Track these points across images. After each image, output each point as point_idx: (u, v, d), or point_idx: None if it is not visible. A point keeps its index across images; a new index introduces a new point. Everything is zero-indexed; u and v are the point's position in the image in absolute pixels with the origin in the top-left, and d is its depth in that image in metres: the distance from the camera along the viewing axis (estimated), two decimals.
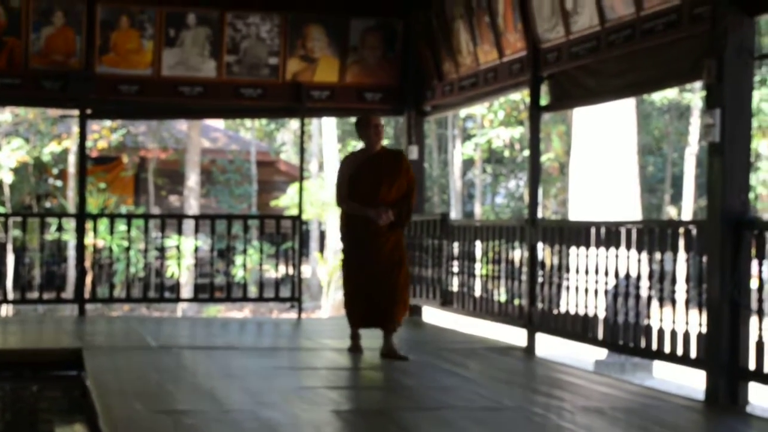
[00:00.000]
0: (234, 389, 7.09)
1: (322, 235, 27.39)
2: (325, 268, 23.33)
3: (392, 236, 8.77)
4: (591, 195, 18.64)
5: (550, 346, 10.44)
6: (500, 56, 10.54)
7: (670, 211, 34.09)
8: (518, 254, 10.23)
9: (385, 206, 8.67)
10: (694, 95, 27.21)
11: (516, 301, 10.12)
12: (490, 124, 28.50)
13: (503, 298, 10.41)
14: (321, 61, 12.36)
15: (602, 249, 8.58)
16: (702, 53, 7.11)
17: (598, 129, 18.65)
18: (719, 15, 6.88)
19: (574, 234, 9.06)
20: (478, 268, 10.97)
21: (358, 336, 9.07)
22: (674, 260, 7.56)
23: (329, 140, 26.14)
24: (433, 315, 12.70)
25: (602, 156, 18.69)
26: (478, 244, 11.01)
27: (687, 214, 28.56)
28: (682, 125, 31.32)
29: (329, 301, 22.80)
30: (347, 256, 8.91)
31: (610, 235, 8.48)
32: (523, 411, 6.57)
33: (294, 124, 34.84)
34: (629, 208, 18.62)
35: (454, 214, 29.70)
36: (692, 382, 9.14)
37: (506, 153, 30.41)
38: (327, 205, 23.05)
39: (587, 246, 8.80)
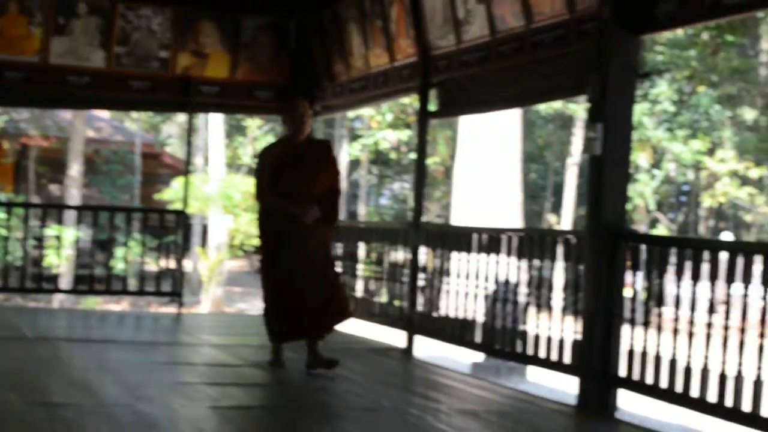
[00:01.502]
0: (111, 383, 7.05)
1: (204, 230, 27.22)
2: (206, 263, 23.21)
3: (319, 235, 7.81)
4: (474, 200, 18.89)
5: (428, 348, 10.57)
6: (391, 61, 10.65)
7: (551, 219, 34.70)
8: (401, 256, 10.35)
9: (312, 202, 7.71)
10: (578, 106, 27.73)
11: (397, 303, 10.24)
12: (378, 125, 28.68)
13: (385, 299, 10.52)
14: (212, 56, 12.31)
15: (483, 255, 8.75)
16: (587, 68, 7.30)
17: (484, 135, 18.91)
18: (605, 32, 7.08)
19: (457, 239, 9.21)
20: (361, 269, 11.07)
21: (282, 349, 8.09)
22: (552, 268, 7.76)
23: (215, 135, 26.00)
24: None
25: (487, 162, 18.96)
26: (362, 245, 11.11)
27: (567, 223, 29.11)
28: (566, 135, 31.91)
29: (209, 296, 22.70)
30: (269, 258, 7.88)
31: (492, 241, 8.65)
32: (400, 412, 6.68)
33: (180, 117, 34.55)
34: (511, 215, 18.92)
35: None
36: (564, 387, 9.35)
37: (393, 155, 30.63)
38: (211, 200, 22.93)
39: (469, 251, 8.96)
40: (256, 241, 8.19)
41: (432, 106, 10.08)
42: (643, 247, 6.93)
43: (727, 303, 6.26)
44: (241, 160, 29.77)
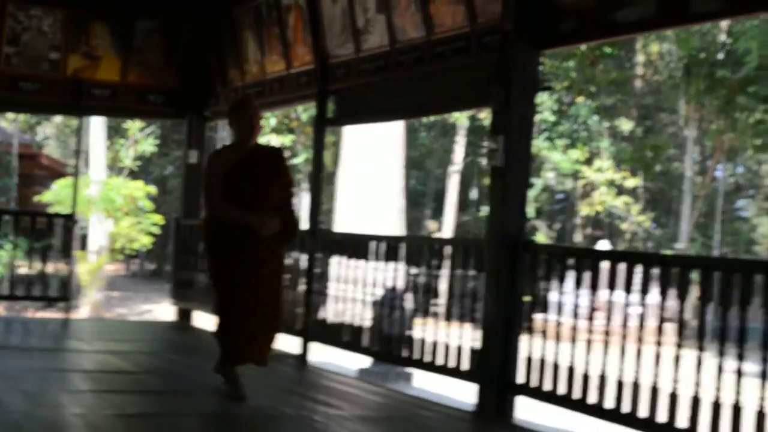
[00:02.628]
0: (9, 390, 6.93)
1: (83, 234, 26.80)
2: (86, 267, 22.88)
3: (276, 250, 7.11)
4: (357, 206, 19.02)
5: (317, 354, 10.62)
6: (288, 68, 10.68)
7: (431, 226, 35.03)
8: (297, 264, 10.38)
9: (270, 213, 6.96)
10: (460, 114, 28.06)
11: (292, 310, 10.27)
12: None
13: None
14: (104, 59, 12.16)
15: (381, 262, 8.85)
16: (489, 81, 7.44)
17: (368, 142, 19.05)
18: (507, 46, 7.24)
19: (353, 246, 9.29)
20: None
21: (239, 376, 7.17)
22: (451, 276, 7.91)
23: (96, 137, 25.61)
24: (205, 320, 12.65)
25: (370, 168, 19.10)
26: None
27: (448, 230, 29.41)
28: (447, 142, 32.25)
29: (89, 300, 22.38)
30: (222, 275, 7.00)
31: (390, 249, 8.75)
32: (305, 419, 6.72)
33: (58, 118, 33.95)
34: (394, 221, 19.09)
35: None
36: (455, 393, 9.49)
37: None
38: (92, 203, 22.61)
39: (366, 258, 9.05)
40: (207, 255, 7.23)
41: (329, 114, 10.14)
42: (543, 257, 7.11)
43: (625, 311, 6.46)
44: (123, 162, 29.38)
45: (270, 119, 27.68)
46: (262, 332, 7.04)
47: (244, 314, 6.92)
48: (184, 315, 12.56)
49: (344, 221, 19.16)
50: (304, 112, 26.98)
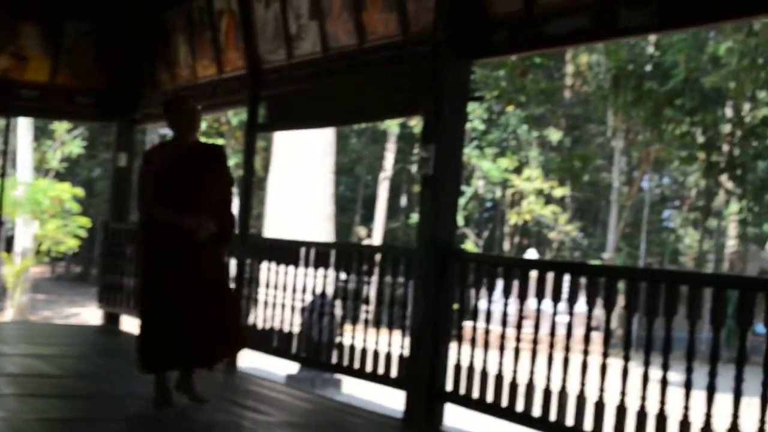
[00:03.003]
0: None
1: (9, 236, 26.45)
2: (11, 269, 22.60)
3: (213, 253, 6.73)
4: (287, 211, 19.01)
5: (245, 360, 10.60)
6: (219, 72, 10.64)
7: (360, 232, 35.07)
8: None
9: (206, 215, 6.65)
10: (391, 122, 28.18)
11: None
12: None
13: None
14: (32, 60, 12.01)
15: (311, 269, 8.85)
16: (421, 90, 7.48)
17: (298, 147, 19.05)
18: (439, 56, 7.28)
19: (283, 252, 9.28)
20: None
21: (167, 382, 6.85)
22: (380, 283, 7.93)
23: (23, 138, 25.29)
24: (132, 324, 12.55)
25: (300, 174, 19.10)
26: None
27: (377, 236, 29.48)
28: (378, 149, 32.34)
29: (14, 303, 22.10)
30: (151, 279, 6.72)
31: (319, 255, 8.76)
32: (235, 426, 6.70)
33: None
34: (323, 227, 19.10)
35: None
36: (383, 399, 9.53)
37: None
38: (18, 205, 22.31)
39: (296, 265, 9.04)
40: (139, 258, 7.06)
41: (260, 119, 10.13)
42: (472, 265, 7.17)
43: (553, 320, 6.53)
44: (50, 164, 29.04)
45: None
46: (200, 338, 6.58)
47: (170, 320, 6.55)
48: (111, 319, 12.46)
49: (274, 226, 19.13)
50: (234, 116, 26.90)
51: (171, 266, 6.60)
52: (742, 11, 5.66)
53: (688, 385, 5.45)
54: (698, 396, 5.37)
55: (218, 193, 6.79)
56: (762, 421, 5.04)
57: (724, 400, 5.28)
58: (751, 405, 5.15)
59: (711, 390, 5.32)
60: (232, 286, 9.93)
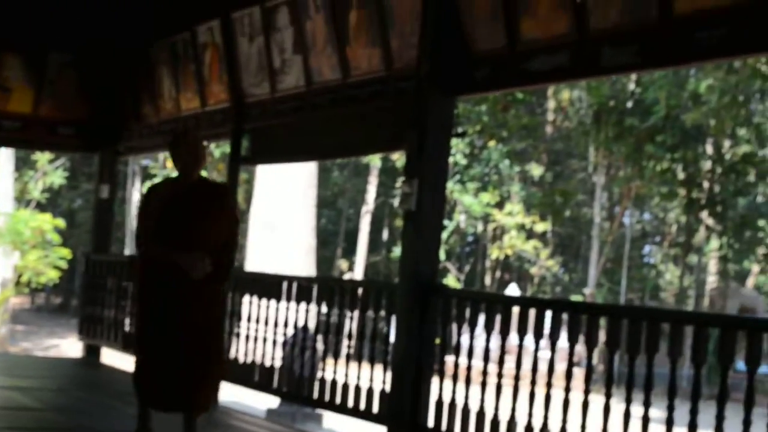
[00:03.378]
0: None
1: None
2: None
3: (207, 293, 6.45)
4: (269, 244, 18.99)
5: (229, 394, 10.57)
6: (203, 105, 10.66)
7: (342, 265, 35.04)
8: None
9: (202, 253, 6.36)
10: (374, 156, 28.24)
11: None
12: (172, 165, 28.44)
13: None
14: (16, 91, 11.99)
15: (293, 303, 8.84)
16: (404, 125, 7.51)
17: (280, 180, 19.06)
18: (422, 91, 7.31)
19: (266, 286, 9.27)
20: None
21: (150, 416, 6.71)
22: (362, 318, 7.93)
23: (3, 168, 25.17)
24: (113, 357, 12.50)
25: (282, 207, 19.11)
26: None
27: (359, 269, 29.46)
28: (361, 182, 32.39)
29: None
30: (144, 315, 6.60)
31: (301, 289, 8.75)
32: None
33: None
34: (305, 260, 19.09)
35: (128, 252, 29.33)
36: None
37: None
38: None
39: (278, 299, 9.02)
40: (136, 297, 6.91)
41: (243, 152, 10.14)
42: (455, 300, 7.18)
43: (535, 356, 6.53)
44: (31, 194, 28.96)
45: None
46: (187, 380, 6.35)
47: (159, 359, 6.37)
48: (92, 351, 12.40)
49: (256, 259, 19.11)
50: (217, 148, 26.92)
51: (162, 305, 6.38)
52: (723, 51, 5.71)
53: (669, 423, 5.46)
54: None
55: (220, 232, 6.49)
56: None
57: None
58: None
59: (692, 427, 5.33)
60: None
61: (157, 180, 29.17)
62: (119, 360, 12.44)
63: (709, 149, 27.87)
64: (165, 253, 6.36)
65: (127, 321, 11.59)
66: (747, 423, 5.06)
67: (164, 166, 29.06)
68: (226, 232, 6.54)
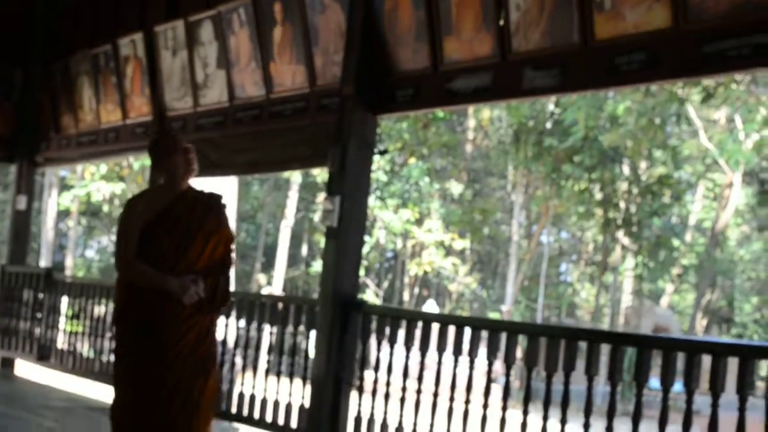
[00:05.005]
0: None
1: None
2: None
3: (200, 321, 5.46)
4: None
5: None
6: (124, 118, 10.59)
7: (260, 279, 34.93)
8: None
9: (195, 276, 5.41)
10: (294, 171, 28.21)
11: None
12: (90, 176, 28.17)
13: (108, 357, 10.36)
14: None
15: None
16: (326, 141, 7.56)
17: None
18: (345, 109, 7.37)
19: None
20: (87, 326, 10.86)
21: None
22: (282, 333, 7.94)
23: None
24: (28, 369, 12.33)
25: None
26: (84, 301, 10.93)
27: (278, 284, 29.39)
28: (280, 197, 32.35)
29: None
30: (126, 349, 5.49)
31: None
32: None
33: None
34: None
35: (44, 263, 28.95)
36: None
37: (105, 207, 30.11)
38: None
39: None
40: (115, 324, 5.61)
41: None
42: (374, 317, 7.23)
43: (454, 373, 6.60)
44: None
45: (99, 166, 27.32)
46: (175, 422, 5.38)
47: (143, 399, 5.35)
48: (6, 363, 12.22)
49: None
50: (136, 160, 26.70)
51: (149, 336, 5.38)
52: (641, 76, 5.85)
53: None
54: None
55: (215, 251, 5.54)
56: None
57: None
58: None
59: None
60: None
61: (87, 190, 28.92)
62: (34, 372, 12.28)
63: (626, 170, 28.30)
64: (151, 277, 5.37)
65: (39, 332, 11.47)
66: None
67: (82, 177, 28.72)
68: (221, 250, 5.58)
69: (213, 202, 5.63)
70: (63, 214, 33.87)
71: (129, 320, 5.48)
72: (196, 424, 5.43)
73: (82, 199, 29.29)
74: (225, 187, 19.21)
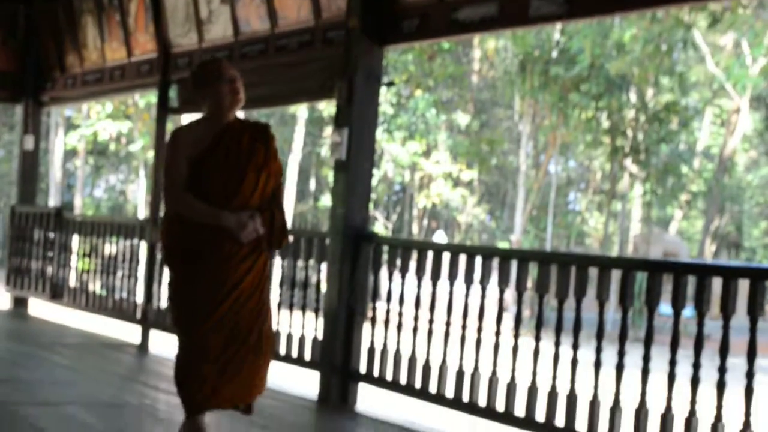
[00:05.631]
0: None
1: None
2: None
3: (258, 262, 5.05)
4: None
5: (162, 343, 10.59)
6: (129, 55, 10.57)
7: None
8: (137, 251, 10.32)
9: (252, 211, 4.99)
10: (299, 105, 28.15)
11: (131, 298, 10.20)
12: (96, 115, 28.15)
13: (121, 294, 10.44)
14: None
15: None
16: (333, 74, 7.55)
17: None
18: (351, 41, 7.34)
19: None
20: (98, 264, 10.93)
21: (205, 428, 5.13)
22: (294, 267, 7.98)
23: None
24: (41, 308, 12.43)
25: None
26: (95, 239, 10.99)
27: (287, 218, 29.43)
28: (287, 132, 32.29)
29: None
30: (181, 295, 5.08)
31: None
32: (147, 408, 6.70)
33: None
34: None
35: (53, 203, 29.04)
36: (296, 381, 9.58)
37: (112, 146, 30.11)
38: None
39: None
40: (167, 266, 5.18)
41: (171, 103, 10.10)
42: (386, 248, 7.27)
43: (465, 302, 6.64)
44: None
45: (105, 105, 27.29)
46: (246, 366, 5.03)
47: (214, 348, 4.95)
48: (20, 302, 12.33)
49: None
50: (142, 98, 26.65)
51: (208, 277, 4.96)
52: (647, 2, 5.82)
53: (597, 364, 5.60)
54: (608, 373, 5.52)
55: (266, 184, 5.08)
56: (669, 398, 5.21)
57: (631, 377, 5.45)
58: (657, 382, 5.32)
59: (620, 368, 5.48)
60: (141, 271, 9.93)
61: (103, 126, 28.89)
62: (47, 310, 12.38)
63: (633, 98, 28.19)
64: (205, 212, 4.95)
65: (51, 271, 11.54)
66: (672, 363, 5.21)
67: (88, 116, 28.68)
68: (272, 183, 5.13)
69: (261, 132, 5.17)
70: (70, 154, 33.88)
71: (181, 262, 5.04)
72: (261, 373, 5.10)
73: (89, 139, 29.30)
74: None
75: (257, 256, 5.04)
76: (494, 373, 6.21)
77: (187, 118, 19.29)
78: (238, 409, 5.22)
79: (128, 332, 10.37)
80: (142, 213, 26.99)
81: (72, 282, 11.44)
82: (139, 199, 29.88)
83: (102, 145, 31.78)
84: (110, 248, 10.85)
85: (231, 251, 4.94)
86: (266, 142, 5.11)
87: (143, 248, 10.06)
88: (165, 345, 10.77)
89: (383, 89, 24.99)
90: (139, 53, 10.43)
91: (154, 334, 9.78)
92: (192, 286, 4.98)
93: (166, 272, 5.27)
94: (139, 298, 10.00)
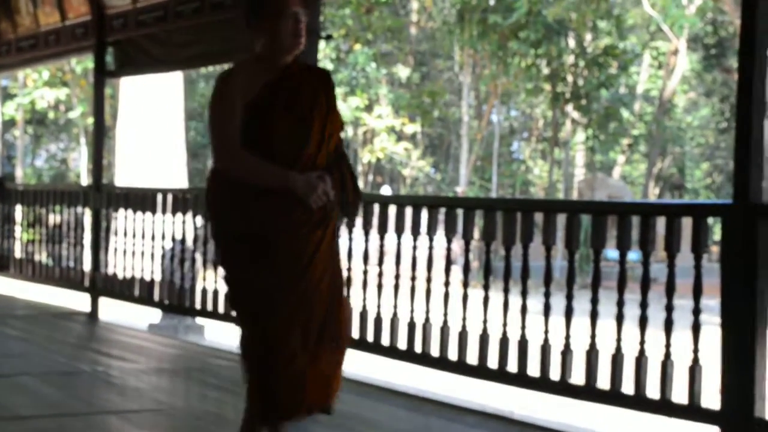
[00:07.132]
0: None
1: None
2: None
3: (327, 230, 4.19)
4: (138, 159, 18.78)
5: (111, 310, 10.54)
6: (63, 19, 10.40)
7: None
8: (82, 219, 10.23)
9: (320, 171, 4.15)
10: None
11: (78, 266, 10.13)
12: (33, 83, 27.77)
13: (68, 263, 10.36)
14: None
15: (168, 215, 8.81)
16: None
17: (145, 94, 18.78)
18: None
19: (140, 200, 9.21)
20: (43, 234, 10.83)
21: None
22: None
23: None
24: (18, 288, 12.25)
25: (149, 120, 18.86)
26: (39, 209, 10.88)
27: None
28: None
29: None
30: (239, 275, 4.19)
31: (177, 201, 8.73)
32: (101, 374, 6.67)
33: None
34: (176, 173, 18.93)
35: None
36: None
37: (50, 114, 29.76)
38: None
39: (153, 211, 8.98)
40: (214, 238, 4.27)
41: (108, 66, 9.98)
42: None
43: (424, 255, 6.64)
44: None
45: (42, 72, 26.92)
46: (321, 359, 4.17)
47: (292, 341, 4.07)
48: None
49: (125, 176, 18.87)
50: (78, 63, 26.31)
51: (274, 251, 4.07)
52: None
53: (546, 311, 5.63)
54: (558, 321, 5.56)
55: (332, 138, 4.25)
56: (618, 339, 5.26)
57: (581, 322, 5.50)
58: (606, 325, 5.37)
59: (569, 313, 5.52)
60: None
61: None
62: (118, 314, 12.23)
63: (572, 43, 28.29)
64: (268, 172, 4.09)
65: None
66: (620, 304, 5.25)
67: (24, 85, 28.27)
68: (336, 138, 4.30)
69: (325, 79, 4.34)
70: (8, 125, 33.40)
71: (237, 234, 4.14)
72: (340, 369, 4.29)
73: (27, 108, 28.91)
74: (170, 84, 19.04)
75: (326, 226, 4.18)
76: (445, 323, 6.23)
77: (123, 83, 19.16)
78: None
79: (77, 301, 10.29)
80: (85, 181, 26.76)
81: (17, 253, 11.33)
82: (81, 167, 29.58)
83: (41, 114, 31.36)
84: (54, 217, 10.75)
85: (300, 220, 4.09)
86: (328, 90, 4.29)
87: (88, 215, 9.97)
88: (114, 312, 10.74)
89: (321, 44, 24.89)
90: (73, 16, 10.26)
91: (104, 302, 9.72)
92: (256, 266, 4.09)
93: (213, 249, 4.41)
94: (87, 265, 9.93)
